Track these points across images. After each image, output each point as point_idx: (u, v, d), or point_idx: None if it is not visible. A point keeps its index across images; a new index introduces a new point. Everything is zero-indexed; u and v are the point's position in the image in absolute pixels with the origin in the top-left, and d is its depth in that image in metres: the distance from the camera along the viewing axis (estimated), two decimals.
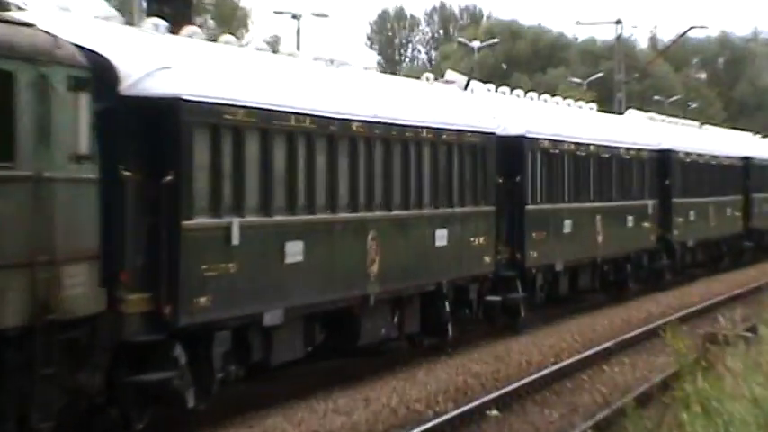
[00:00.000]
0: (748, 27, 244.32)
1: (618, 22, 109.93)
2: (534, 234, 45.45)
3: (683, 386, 22.40)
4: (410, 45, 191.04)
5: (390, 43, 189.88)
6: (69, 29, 24.42)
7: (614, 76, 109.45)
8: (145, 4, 35.09)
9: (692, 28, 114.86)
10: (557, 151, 48.60)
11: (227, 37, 34.03)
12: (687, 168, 64.40)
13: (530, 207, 45.49)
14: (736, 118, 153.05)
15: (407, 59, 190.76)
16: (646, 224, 57.74)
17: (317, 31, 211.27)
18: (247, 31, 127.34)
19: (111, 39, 26.17)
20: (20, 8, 24.89)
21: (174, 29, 29.61)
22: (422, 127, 37.62)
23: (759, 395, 17.37)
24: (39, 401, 22.11)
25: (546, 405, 32.75)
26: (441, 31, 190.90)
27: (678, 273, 63.03)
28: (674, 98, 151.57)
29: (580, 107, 57.57)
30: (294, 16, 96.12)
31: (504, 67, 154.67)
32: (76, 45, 23.86)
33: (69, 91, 22.98)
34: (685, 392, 21.63)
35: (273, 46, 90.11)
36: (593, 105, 58.59)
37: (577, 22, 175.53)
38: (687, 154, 64.57)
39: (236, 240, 27.81)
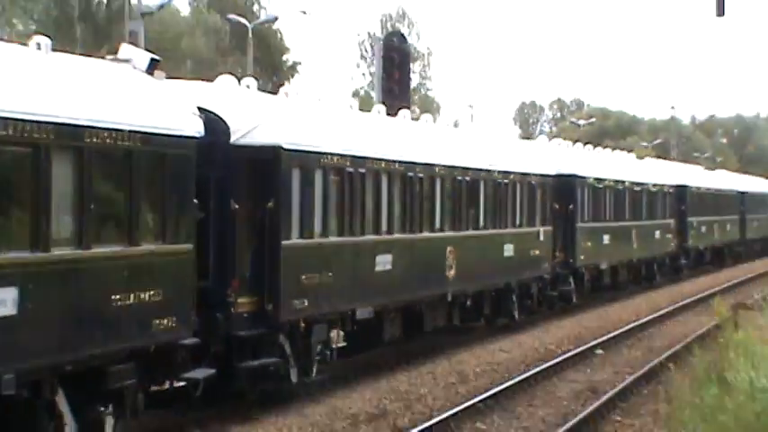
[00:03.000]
0: (755, 108, 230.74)
1: (672, 107, 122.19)
2: (304, 277, 19.68)
3: (724, 335, 19.58)
4: (539, 124, 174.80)
5: (527, 122, 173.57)
6: None
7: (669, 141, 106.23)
8: None
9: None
10: (350, 169, 21.28)
11: None
12: (598, 194, 37.90)
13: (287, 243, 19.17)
14: (747, 168, 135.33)
15: (539, 133, 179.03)
16: (536, 251, 31.19)
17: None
18: None
19: None
20: None
21: None
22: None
23: None
24: None
25: (632, 347, 28.84)
26: (559, 114, 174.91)
27: (587, 295, 36.86)
28: (706, 155, 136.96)
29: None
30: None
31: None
32: None
33: None
34: (726, 339, 18.74)
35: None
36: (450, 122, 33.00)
37: (672, 107, 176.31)
38: (599, 180, 37.73)
39: None
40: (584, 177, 36.27)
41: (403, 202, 23.16)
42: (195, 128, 16.96)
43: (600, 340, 28.29)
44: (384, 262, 22.21)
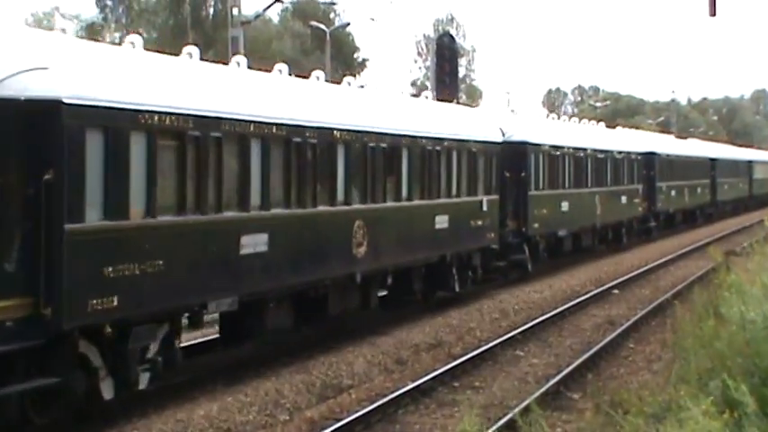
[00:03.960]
0: (739, 91, 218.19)
1: (672, 91, 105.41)
2: (111, 269, 10.82)
3: (719, 276, 16.93)
4: (562, 107, 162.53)
5: (553, 105, 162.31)
6: None
7: (670, 119, 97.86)
8: None
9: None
10: (195, 132, 12.18)
11: None
12: (555, 161, 27.03)
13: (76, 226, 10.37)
14: (734, 141, 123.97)
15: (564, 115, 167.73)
16: (478, 222, 21.04)
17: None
18: None
19: None
20: None
21: None
22: None
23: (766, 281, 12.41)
24: None
25: (642, 286, 25.44)
26: (579, 98, 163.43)
27: (543, 262, 26.91)
28: (700, 130, 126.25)
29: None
30: None
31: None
32: None
33: None
34: (720, 280, 16.27)
35: None
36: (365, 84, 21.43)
37: (673, 91, 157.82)
38: (555, 147, 27.18)
39: None
40: (537, 144, 26.41)
41: (287, 173, 14.46)
42: None
43: (615, 282, 25.80)
44: (254, 243, 13.58)
